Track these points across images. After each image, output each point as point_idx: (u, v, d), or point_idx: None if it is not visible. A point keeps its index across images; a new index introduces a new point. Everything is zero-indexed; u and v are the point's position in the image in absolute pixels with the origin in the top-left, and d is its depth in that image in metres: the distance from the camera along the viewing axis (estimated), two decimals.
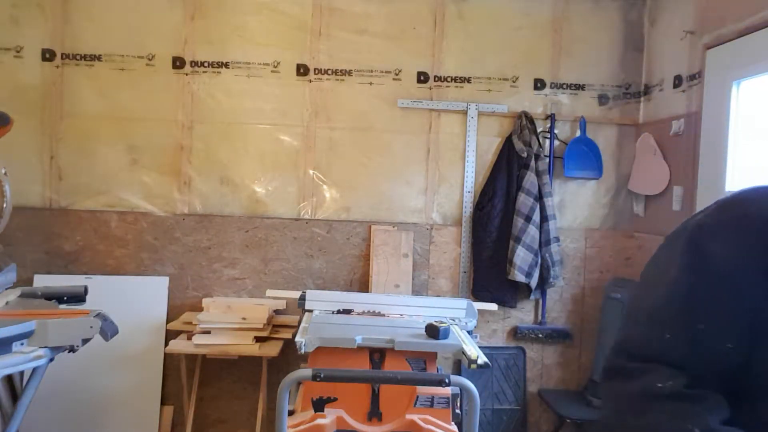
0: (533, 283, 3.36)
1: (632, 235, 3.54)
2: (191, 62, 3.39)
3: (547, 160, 3.45)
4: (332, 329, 2.52)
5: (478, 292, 3.44)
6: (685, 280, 0.85)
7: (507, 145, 3.44)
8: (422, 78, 3.46)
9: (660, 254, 0.93)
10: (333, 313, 2.88)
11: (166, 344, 3.13)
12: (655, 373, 0.84)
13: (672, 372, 0.83)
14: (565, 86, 3.52)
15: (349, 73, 3.44)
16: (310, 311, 2.89)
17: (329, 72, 3.43)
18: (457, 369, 3.47)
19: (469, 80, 3.48)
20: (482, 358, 2.33)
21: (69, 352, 2.13)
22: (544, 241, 3.37)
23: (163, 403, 3.35)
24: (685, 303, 0.84)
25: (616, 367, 0.90)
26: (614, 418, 0.91)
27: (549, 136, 3.48)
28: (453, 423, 2.37)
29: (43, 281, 3.25)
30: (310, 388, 2.37)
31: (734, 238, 0.83)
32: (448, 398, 2.37)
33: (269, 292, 3.24)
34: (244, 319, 3.06)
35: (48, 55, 3.34)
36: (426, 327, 2.49)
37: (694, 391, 0.82)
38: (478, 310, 3.07)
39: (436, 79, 3.47)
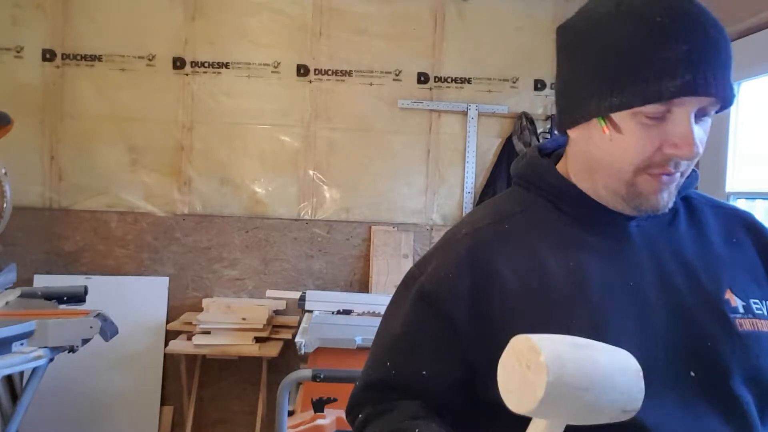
0: None
1: None
2: (192, 62, 3.39)
3: None
4: (332, 330, 2.52)
5: None
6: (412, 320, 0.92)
7: (507, 146, 3.44)
8: (422, 79, 3.46)
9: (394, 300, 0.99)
10: (333, 313, 2.88)
11: (166, 344, 3.14)
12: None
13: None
14: None
15: (350, 73, 3.44)
16: (310, 311, 2.89)
17: (329, 72, 3.43)
18: None
19: (469, 81, 3.48)
20: None
21: (69, 352, 2.12)
22: None
23: (162, 403, 3.35)
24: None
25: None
26: None
27: (549, 137, 3.48)
28: None
29: (43, 281, 3.25)
30: (309, 389, 2.37)
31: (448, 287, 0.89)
32: None
33: (269, 293, 3.24)
34: (244, 319, 3.05)
35: (48, 56, 3.34)
36: None
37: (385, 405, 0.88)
38: None
39: (437, 79, 3.47)
